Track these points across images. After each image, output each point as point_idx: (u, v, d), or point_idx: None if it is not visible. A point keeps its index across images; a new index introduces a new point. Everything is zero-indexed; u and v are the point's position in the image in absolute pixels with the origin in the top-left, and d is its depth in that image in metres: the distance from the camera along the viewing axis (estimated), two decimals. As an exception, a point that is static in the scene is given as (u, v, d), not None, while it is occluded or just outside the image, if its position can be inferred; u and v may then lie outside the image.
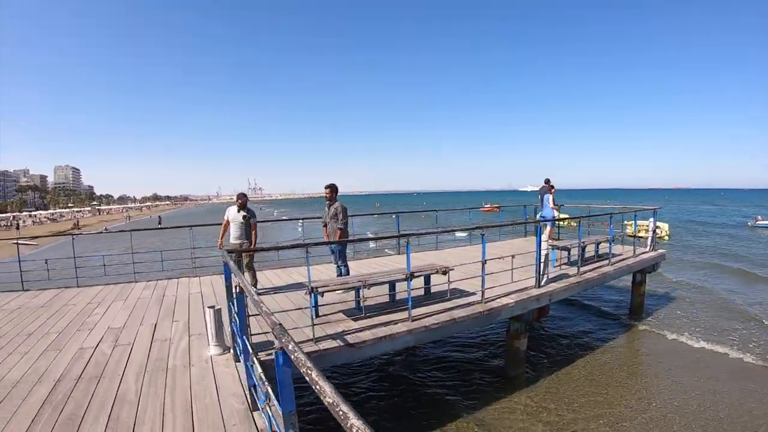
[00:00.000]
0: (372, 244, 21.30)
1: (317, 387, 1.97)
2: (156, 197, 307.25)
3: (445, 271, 9.22)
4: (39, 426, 5.01)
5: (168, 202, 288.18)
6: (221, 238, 10.41)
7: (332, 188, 10.48)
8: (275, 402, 3.45)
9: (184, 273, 13.64)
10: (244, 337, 5.17)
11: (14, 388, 6.04)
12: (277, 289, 10.66)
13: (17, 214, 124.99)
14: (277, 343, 2.92)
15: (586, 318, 14.91)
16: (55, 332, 8.34)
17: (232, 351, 6.82)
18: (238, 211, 10.27)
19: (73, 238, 13.07)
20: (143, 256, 14.50)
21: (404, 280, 8.36)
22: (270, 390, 3.73)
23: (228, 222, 10.32)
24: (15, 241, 14.63)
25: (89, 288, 12.14)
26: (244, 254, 10.12)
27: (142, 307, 9.89)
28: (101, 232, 25.98)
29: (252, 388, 5.15)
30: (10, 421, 5.13)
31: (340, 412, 1.72)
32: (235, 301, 5.57)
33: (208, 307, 6.94)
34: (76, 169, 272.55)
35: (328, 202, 10.50)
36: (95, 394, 5.77)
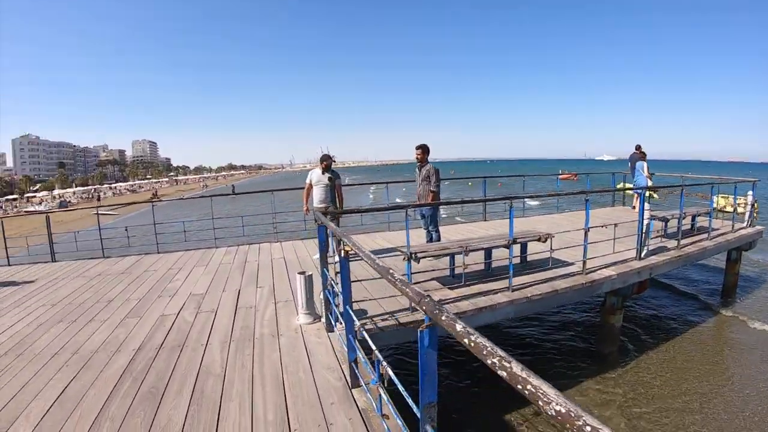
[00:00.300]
0: (443, 213, 19.95)
1: (528, 390, 1.28)
2: (231, 167, 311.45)
3: (545, 239, 8.39)
4: (118, 398, 4.63)
5: (243, 171, 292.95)
6: (306, 203, 9.83)
7: (423, 149, 9.76)
8: (396, 383, 2.87)
9: (265, 238, 13.33)
10: (348, 306, 4.50)
11: (93, 356, 5.72)
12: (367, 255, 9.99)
13: (98, 186, 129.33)
14: (426, 319, 2.32)
15: (672, 298, 13.50)
16: (136, 299, 8.08)
17: (323, 320, 6.26)
18: (323, 173, 9.62)
19: (153, 205, 12.92)
20: (223, 222, 14.13)
21: (505, 246, 7.60)
22: (389, 369, 3.09)
23: (311, 185, 9.72)
24: (96, 212, 14.68)
25: (169, 254, 11.97)
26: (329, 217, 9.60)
27: (224, 273, 9.54)
28: (181, 199, 25.87)
29: (353, 363, 4.56)
30: (87, 393, 4.77)
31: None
32: (336, 265, 5.06)
33: (299, 273, 6.40)
34: (153, 142, 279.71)
35: (419, 164, 9.82)
36: (177, 365, 5.36)
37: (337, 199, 9.72)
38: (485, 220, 14.88)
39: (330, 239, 5.97)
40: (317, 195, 9.60)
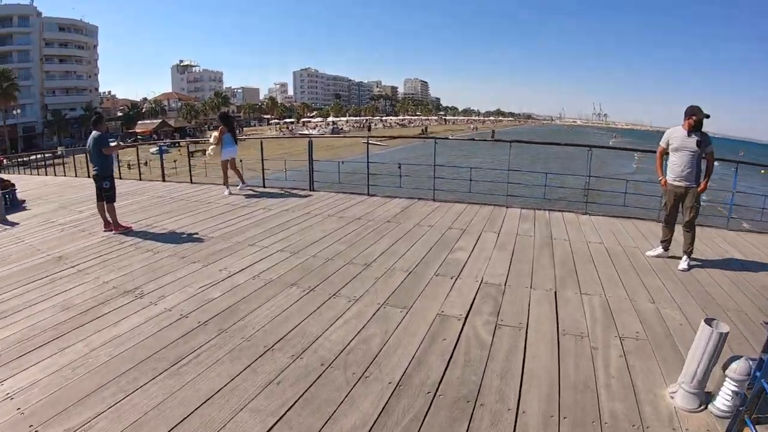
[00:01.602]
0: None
1: None
2: (499, 113, 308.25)
3: None
4: None
5: (511, 119, 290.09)
6: (660, 171, 6.94)
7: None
8: None
9: (570, 206, 10.40)
10: None
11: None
12: None
13: (370, 117, 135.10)
14: None
15: None
16: (402, 269, 6.00)
17: (717, 404, 3.47)
18: (689, 135, 6.45)
19: (435, 142, 10.47)
20: (516, 176, 11.31)
21: None
22: None
23: (665, 150, 6.76)
24: (366, 141, 13.40)
25: (446, 204, 9.70)
26: (686, 204, 6.66)
27: (524, 251, 6.93)
28: (460, 139, 24.01)
29: None
30: None
31: None
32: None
33: (705, 323, 3.43)
34: (424, 82, 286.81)
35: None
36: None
37: (704, 175, 6.63)
38: None
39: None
40: (677, 166, 6.58)
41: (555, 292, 5.44)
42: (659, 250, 7.05)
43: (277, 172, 14.18)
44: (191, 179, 13.37)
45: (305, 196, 10.55)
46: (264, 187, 11.77)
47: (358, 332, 4.40)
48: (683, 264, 6.63)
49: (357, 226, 7.87)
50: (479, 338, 4.34)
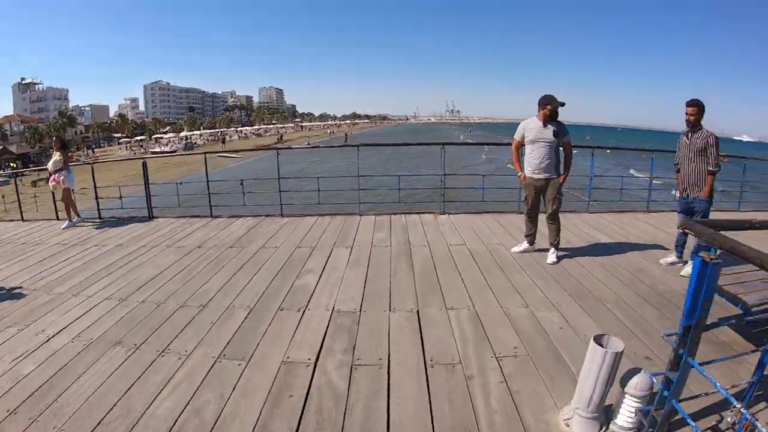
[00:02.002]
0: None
1: None
2: (355, 116, 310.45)
3: None
4: None
5: (367, 121, 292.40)
6: (518, 165, 6.51)
7: (699, 106, 6.03)
8: None
9: (427, 206, 9.76)
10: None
11: None
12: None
13: (225, 129, 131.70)
14: None
15: None
16: (243, 306, 4.98)
17: (619, 423, 3.04)
18: (545, 126, 6.12)
19: (278, 154, 9.49)
20: (369, 181, 10.63)
21: None
22: None
23: (521, 142, 6.39)
24: (219, 154, 12.19)
25: (297, 219, 8.82)
26: (548, 197, 6.38)
27: (380, 264, 6.19)
28: (309, 146, 23.11)
29: None
30: None
31: None
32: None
33: (595, 342, 2.94)
34: (279, 89, 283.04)
35: (689, 127, 6.15)
36: None
37: (563, 166, 6.38)
38: (648, 211, 9.96)
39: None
40: (534, 158, 6.25)
41: (417, 312, 4.74)
42: (525, 244, 6.71)
43: (121, 199, 12.73)
44: (22, 216, 11.46)
45: (143, 226, 9.25)
46: (100, 218, 10.24)
47: (189, 401, 3.43)
48: (551, 257, 6.34)
49: (196, 256, 6.82)
50: (333, 387, 3.53)
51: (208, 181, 9.46)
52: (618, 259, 6.51)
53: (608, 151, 16.45)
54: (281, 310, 4.86)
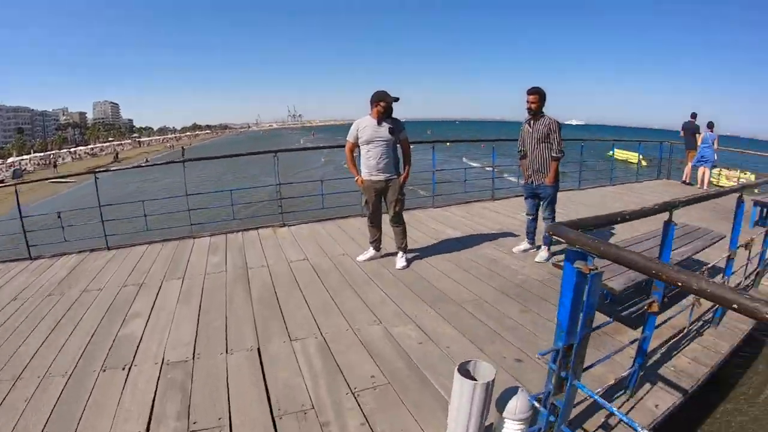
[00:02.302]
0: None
1: None
2: (196, 126, 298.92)
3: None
4: None
5: (208, 131, 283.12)
6: (354, 169, 6.04)
7: (540, 93, 5.98)
8: None
9: (266, 220, 8.87)
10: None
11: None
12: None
13: (56, 151, 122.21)
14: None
15: None
16: (60, 374, 3.98)
17: None
18: (379, 124, 5.70)
19: (96, 178, 8.22)
20: (203, 199, 9.77)
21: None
22: None
23: (355, 144, 5.91)
24: (51, 180, 10.82)
25: (124, 250, 7.65)
26: (389, 199, 5.98)
27: (215, 296, 5.39)
28: (141, 165, 21.37)
29: None
30: None
31: None
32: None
33: (459, 372, 2.59)
34: (115, 104, 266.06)
35: (530, 115, 6.11)
36: None
37: (403, 164, 6.06)
38: (494, 199, 10.38)
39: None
40: (371, 158, 5.81)
41: (258, 350, 4.10)
42: (371, 251, 6.33)
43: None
44: None
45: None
46: None
47: None
48: (401, 262, 6.01)
49: (11, 312, 5.46)
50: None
51: (21, 216, 7.86)
52: (470, 254, 6.32)
53: (448, 143, 17.06)
54: (104, 370, 3.96)
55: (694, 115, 14.64)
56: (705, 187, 13.42)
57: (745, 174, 20.84)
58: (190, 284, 5.81)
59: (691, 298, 4.15)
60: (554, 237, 2.23)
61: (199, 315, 4.87)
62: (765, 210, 8.23)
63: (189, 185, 8.29)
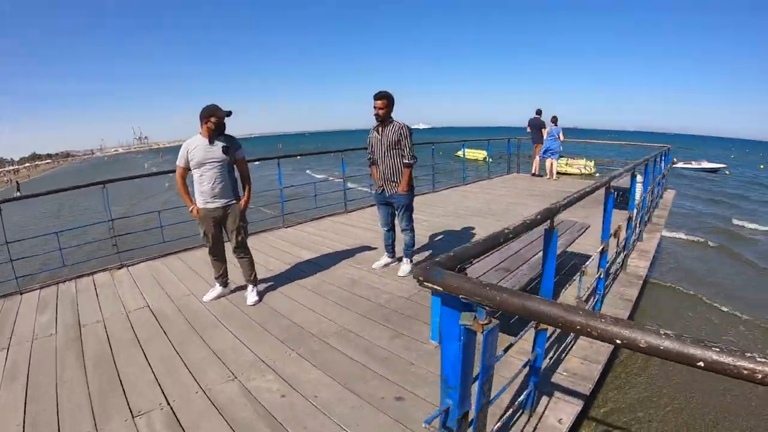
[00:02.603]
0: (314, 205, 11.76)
1: None
2: (35, 156, 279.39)
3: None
4: None
5: (49, 161, 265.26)
6: (187, 197, 5.22)
7: (388, 98, 5.62)
8: None
9: (102, 262, 7.77)
10: None
11: None
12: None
13: None
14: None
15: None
16: None
17: None
18: (211, 143, 5.00)
19: None
20: (29, 245, 8.49)
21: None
22: None
23: (186, 168, 5.13)
24: None
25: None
26: (229, 227, 5.32)
27: (41, 371, 4.34)
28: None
29: None
30: None
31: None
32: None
33: None
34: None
35: (379, 122, 5.74)
36: None
37: (246, 188, 5.41)
38: (347, 212, 10.17)
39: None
40: (204, 184, 5.08)
41: (93, 433, 3.33)
42: (218, 289, 5.57)
43: None
44: None
45: None
46: None
47: None
48: (251, 297, 5.33)
49: None
50: None
51: None
52: (328, 276, 5.86)
53: (298, 156, 17.10)
54: None
55: (539, 112, 15.42)
56: (554, 177, 14.67)
57: (590, 161, 23.23)
58: (15, 356, 4.67)
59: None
60: (426, 284, 1.72)
61: (26, 400, 3.82)
62: (619, 194, 8.55)
63: (15, 228, 7.18)
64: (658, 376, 5.51)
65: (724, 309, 8.89)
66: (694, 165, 44.22)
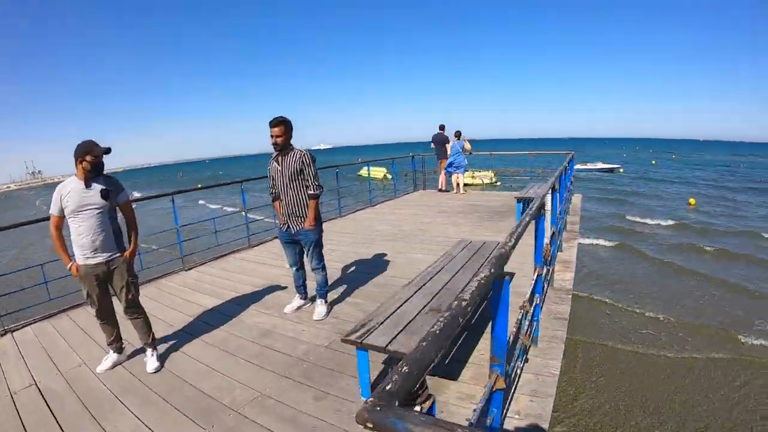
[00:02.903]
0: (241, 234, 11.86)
1: None
2: None
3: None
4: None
5: None
6: (65, 253, 4.39)
7: (285, 124, 5.12)
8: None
9: None
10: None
11: None
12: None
13: None
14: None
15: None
16: None
17: None
18: (88, 186, 4.23)
19: None
20: None
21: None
22: None
23: (61, 217, 4.27)
24: None
25: None
26: (116, 285, 4.52)
27: None
28: None
29: None
30: None
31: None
32: None
33: None
34: None
35: (277, 151, 5.23)
36: None
37: (132, 236, 4.67)
38: (251, 247, 9.46)
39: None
40: (83, 236, 4.27)
41: None
42: (112, 356, 4.72)
43: None
44: None
45: None
46: None
47: None
48: (151, 364, 4.56)
49: None
50: None
51: None
52: (236, 327, 5.24)
53: (199, 185, 16.70)
54: None
55: (442, 127, 15.51)
56: (461, 191, 14.81)
57: (495, 172, 23.86)
58: None
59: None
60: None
61: None
62: (525, 204, 8.49)
63: None
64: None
65: (637, 311, 9.23)
66: (590, 166, 47.10)
